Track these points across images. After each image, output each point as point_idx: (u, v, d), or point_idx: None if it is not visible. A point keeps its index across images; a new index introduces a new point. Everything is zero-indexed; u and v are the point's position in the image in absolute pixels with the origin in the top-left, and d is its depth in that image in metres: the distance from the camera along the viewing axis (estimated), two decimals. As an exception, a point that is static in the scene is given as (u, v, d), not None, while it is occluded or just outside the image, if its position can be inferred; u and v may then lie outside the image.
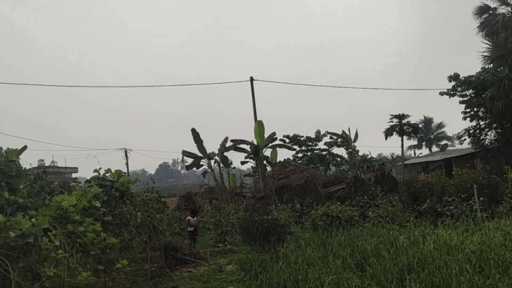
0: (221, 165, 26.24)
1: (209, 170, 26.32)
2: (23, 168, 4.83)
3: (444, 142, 60.25)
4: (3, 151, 4.58)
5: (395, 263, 7.94)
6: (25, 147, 7.71)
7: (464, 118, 27.24)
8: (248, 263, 9.72)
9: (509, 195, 14.15)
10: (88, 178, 10.12)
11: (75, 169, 59.55)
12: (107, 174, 6.43)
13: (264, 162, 26.03)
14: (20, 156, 5.91)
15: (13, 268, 3.49)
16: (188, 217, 13.74)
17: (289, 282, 7.19)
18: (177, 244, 11.49)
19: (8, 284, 4.04)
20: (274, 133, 26.34)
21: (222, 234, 14.52)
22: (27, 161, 6.82)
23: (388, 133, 26.77)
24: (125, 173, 6.45)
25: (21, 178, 4.65)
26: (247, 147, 25.95)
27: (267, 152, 26.87)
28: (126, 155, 56.61)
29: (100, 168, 6.48)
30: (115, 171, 6.53)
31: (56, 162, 65.21)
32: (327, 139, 35.94)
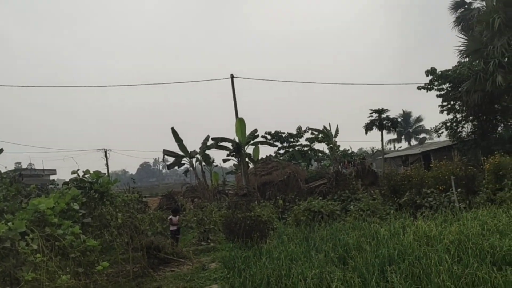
0: (203, 163, 26.15)
1: (191, 168, 26.18)
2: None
3: (422, 135, 61.38)
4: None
5: (376, 255, 8.05)
6: (1, 150, 7.54)
7: (441, 112, 27.80)
8: (231, 260, 9.72)
9: (485, 185, 14.52)
10: (67, 180, 9.96)
11: (53, 171, 58.33)
12: (86, 176, 6.34)
13: (246, 159, 26.06)
14: (-5, 159, 5.77)
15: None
16: (170, 216, 13.65)
17: (273, 278, 7.21)
18: (159, 243, 11.40)
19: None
20: (255, 130, 26.36)
21: (205, 232, 14.48)
22: (3, 164, 6.68)
23: (368, 127, 27.10)
24: (104, 173, 6.36)
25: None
26: (229, 145, 25.91)
27: (249, 149, 26.92)
28: (106, 155, 55.86)
29: (78, 170, 6.39)
30: (94, 172, 6.44)
31: (34, 164, 63.88)
32: (308, 135, 36.20)
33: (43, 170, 58.93)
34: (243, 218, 11.96)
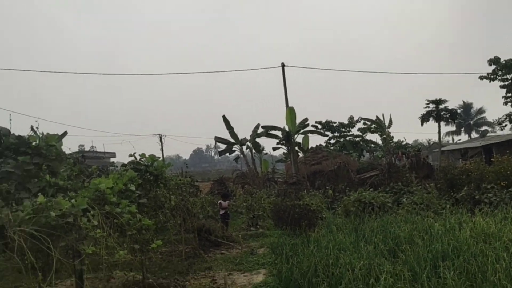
0: (253, 151, 26.38)
1: (242, 155, 26.53)
2: (63, 152, 5.06)
3: (484, 128, 57.96)
4: (44, 136, 4.83)
5: (429, 250, 7.81)
6: (65, 133, 7.96)
7: (505, 103, 26.11)
8: (279, 246, 9.83)
9: (552, 182, 13.55)
10: (125, 162, 10.49)
11: (113, 154, 61.41)
12: (141, 159, 6.64)
13: (296, 148, 25.96)
14: (62, 141, 6.17)
15: (55, 246, 3.69)
16: (220, 201, 14.00)
17: (320, 266, 7.21)
18: (210, 227, 11.77)
19: (50, 260, 4.29)
20: (306, 119, 26.16)
21: (254, 218, 14.71)
22: (68, 146, 7.10)
23: (424, 119, 26.06)
24: (159, 157, 6.63)
25: (61, 162, 4.90)
26: (279, 133, 25.94)
27: (299, 138, 26.77)
28: (161, 140, 57.81)
29: (135, 153, 6.70)
30: (149, 155, 6.73)
31: (95, 147, 67.59)
32: (360, 125, 35.36)
33: (104, 152, 62.20)
34: (292, 206, 12.01)
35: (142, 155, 6.62)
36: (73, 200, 3.78)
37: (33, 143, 4.74)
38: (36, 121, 4.64)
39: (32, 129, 5.10)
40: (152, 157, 6.62)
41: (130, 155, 6.65)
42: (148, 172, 6.49)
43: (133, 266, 9.20)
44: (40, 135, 5.01)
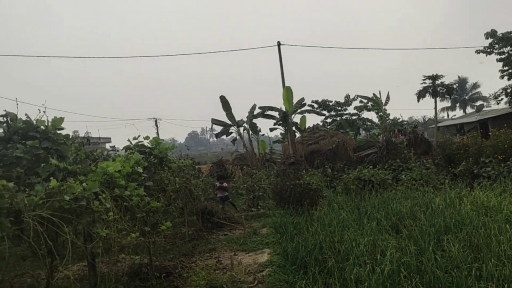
0: (250, 132, 26.32)
1: (239, 137, 26.46)
2: (70, 136, 5.03)
3: (479, 102, 58.01)
4: (51, 119, 4.77)
5: (432, 224, 7.92)
6: (62, 119, 7.87)
7: (502, 77, 26.09)
8: (283, 226, 9.91)
9: (549, 155, 13.67)
10: (121, 147, 10.44)
11: (108, 139, 61.05)
12: (145, 142, 6.61)
13: (293, 128, 25.93)
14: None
15: (69, 230, 3.69)
16: (217, 183, 14.07)
17: (325, 244, 7.29)
18: (212, 208, 11.82)
19: (61, 244, 4.29)
20: (302, 99, 26.04)
21: (254, 199, 14.79)
22: (63, 132, 7.01)
23: (420, 95, 26.08)
24: (162, 140, 6.60)
25: (69, 145, 4.86)
26: (276, 114, 25.85)
27: (296, 118, 26.71)
28: (156, 124, 57.59)
29: (139, 136, 6.67)
30: (153, 138, 6.70)
31: (90, 132, 67.11)
32: (357, 103, 35.34)
33: (99, 138, 61.84)
34: (293, 186, 12.07)
35: (146, 137, 6.59)
36: (84, 184, 3.77)
37: (41, 127, 4.69)
38: (43, 104, 4.57)
39: (27, 115, 5.04)
40: (156, 140, 6.59)
41: (134, 138, 6.62)
42: (153, 155, 6.47)
43: (138, 249, 9.29)
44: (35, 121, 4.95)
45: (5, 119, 4.63)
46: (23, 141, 4.65)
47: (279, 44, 27.16)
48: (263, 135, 30.01)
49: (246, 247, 9.30)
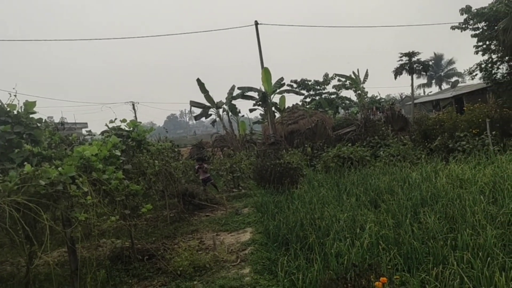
0: (230, 113, 26.19)
1: (218, 119, 26.31)
2: (43, 120, 4.89)
3: (454, 78, 59.01)
4: (22, 103, 4.63)
5: (409, 198, 8.11)
6: (34, 102, 7.64)
7: (476, 52, 26.44)
8: (264, 205, 10.00)
9: (521, 127, 14.09)
10: (98, 132, 10.26)
11: (84, 124, 59.76)
12: (122, 125, 6.50)
13: (273, 108, 25.92)
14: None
15: (46, 215, 3.63)
16: (196, 165, 14.01)
17: (306, 221, 7.40)
18: (193, 190, 11.82)
19: (39, 230, 4.23)
20: (281, 79, 25.96)
21: (233, 179, 14.84)
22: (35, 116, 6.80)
23: (397, 72, 26.31)
24: (140, 122, 6.50)
25: (43, 130, 4.74)
26: (255, 95, 25.75)
27: (275, 98, 26.67)
28: (134, 108, 56.65)
29: (116, 119, 6.55)
30: (131, 121, 6.59)
31: (66, 118, 65.52)
32: (335, 82, 35.43)
33: (75, 123, 60.47)
34: (274, 165, 12.14)
35: (123, 121, 6.48)
36: (60, 168, 3.69)
37: (13, 112, 4.54)
38: (13, 88, 4.40)
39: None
40: (134, 123, 6.49)
41: (111, 121, 6.50)
42: (130, 138, 6.38)
43: (120, 233, 9.24)
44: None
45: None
46: (-5, 126, 4.51)
47: (256, 23, 26.85)
48: (243, 116, 29.95)
49: (228, 227, 9.37)
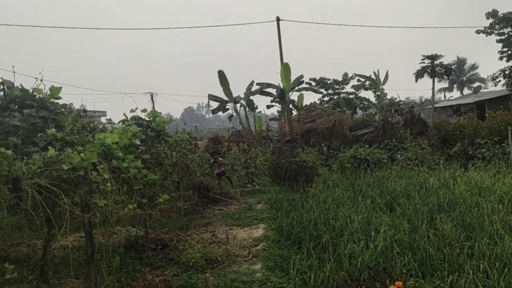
0: (247, 109, 26.19)
1: (235, 114, 26.34)
2: (67, 106, 4.97)
3: (477, 84, 57.89)
4: (48, 88, 4.71)
5: (425, 203, 8.01)
6: (60, 88, 7.74)
7: (501, 58, 25.90)
8: (278, 202, 9.99)
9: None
10: (117, 121, 10.36)
11: (103, 113, 60.56)
12: (142, 115, 6.56)
13: (290, 106, 25.83)
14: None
15: (66, 199, 3.69)
16: (212, 160, 14.09)
17: (320, 220, 7.37)
18: (208, 183, 11.88)
19: (57, 214, 4.30)
20: (301, 76, 25.83)
21: (248, 175, 14.86)
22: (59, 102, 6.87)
23: (418, 74, 25.94)
24: (160, 113, 6.55)
25: (66, 115, 4.82)
26: (273, 91, 25.67)
27: (293, 96, 26.57)
28: (152, 99, 57.00)
29: (137, 108, 6.61)
30: (151, 111, 6.64)
31: (86, 105, 66.42)
32: (354, 81, 35.11)
33: (94, 111, 61.25)
34: (289, 163, 12.12)
35: (144, 110, 6.53)
36: (82, 154, 3.75)
37: (39, 96, 4.62)
38: (40, 73, 4.47)
39: (21, 85, 4.93)
40: (154, 113, 6.54)
41: (132, 111, 6.56)
42: (150, 128, 6.44)
43: (134, 221, 9.35)
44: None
45: (1, 86, 4.56)
46: (20, 110, 4.59)
47: (278, 19, 26.76)
48: (260, 112, 29.83)
49: (241, 222, 9.39)
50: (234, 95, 25.47)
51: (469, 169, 11.51)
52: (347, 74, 35.50)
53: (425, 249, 5.41)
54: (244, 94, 25.76)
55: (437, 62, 25.26)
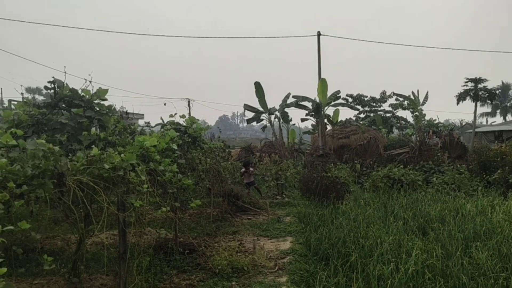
0: (281, 120, 26.25)
1: (269, 125, 26.43)
2: (112, 107, 5.18)
3: (521, 110, 55.70)
4: (96, 90, 4.93)
5: (461, 230, 7.74)
6: (107, 90, 8.01)
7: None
8: (307, 216, 9.92)
9: None
10: (153, 125, 10.63)
11: (141, 116, 62.14)
12: (180, 120, 6.73)
13: (325, 120, 25.67)
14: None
15: (103, 197, 3.82)
16: (243, 169, 14.15)
17: (349, 238, 7.26)
18: (238, 192, 11.93)
19: (93, 212, 4.46)
20: (338, 91, 25.68)
21: (278, 186, 14.82)
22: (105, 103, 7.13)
23: (460, 97, 25.27)
24: (198, 120, 6.69)
25: (110, 117, 5.02)
26: (309, 105, 25.62)
27: (329, 110, 26.41)
28: (189, 105, 58.06)
29: (175, 114, 6.78)
30: (189, 117, 6.80)
31: (125, 108, 68.43)
32: (392, 100, 34.56)
33: (133, 114, 62.95)
34: (321, 178, 12.03)
35: (183, 116, 6.70)
36: (122, 155, 3.89)
37: (86, 97, 4.85)
38: (89, 75, 4.71)
39: (67, 85, 5.17)
40: (192, 119, 6.69)
41: (171, 116, 6.74)
42: (187, 134, 6.58)
43: (164, 224, 9.51)
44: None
45: (52, 85, 4.81)
46: (68, 108, 4.82)
47: (319, 34, 26.77)
48: (294, 124, 29.78)
49: (269, 233, 9.37)
50: (269, 106, 25.60)
51: (509, 198, 11.06)
52: (385, 92, 35.03)
53: (459, 277, 5.23)
54: (280, 105, 25.85)
55: (480, 85, 24.52)
